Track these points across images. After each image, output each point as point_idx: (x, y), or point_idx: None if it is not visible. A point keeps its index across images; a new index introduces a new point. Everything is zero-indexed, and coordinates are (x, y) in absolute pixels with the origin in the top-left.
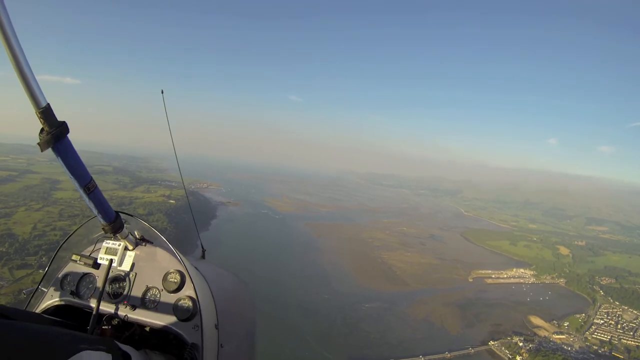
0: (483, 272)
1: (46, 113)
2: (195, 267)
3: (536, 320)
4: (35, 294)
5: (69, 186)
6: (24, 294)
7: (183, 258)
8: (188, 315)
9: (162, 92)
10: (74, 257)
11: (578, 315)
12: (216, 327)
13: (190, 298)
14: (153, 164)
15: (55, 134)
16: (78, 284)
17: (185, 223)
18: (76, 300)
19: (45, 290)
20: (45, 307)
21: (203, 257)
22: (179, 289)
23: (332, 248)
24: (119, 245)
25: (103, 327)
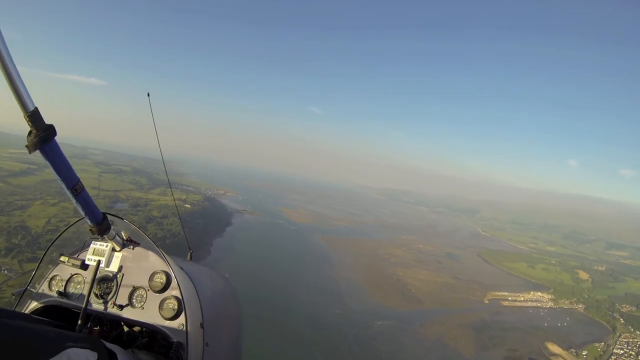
0: (499, 293)
1: (34, 116)
2: (181, 268)
3: (553, 348)
4: (24, 295)
5: (87, 183)
6: (13, 295)
7: (169, 259)
8: (173, 314)
9: (149, 95)
10: (62, 258)
11: (597, 344)
12: (201, 325)
13: (176, 298)
14: (172, 168)
15: (43, 136)
16: (66, 285)
17: (200, 228)
18: (64, 300)
19: (34, 290)
20: (34, 307)
21: (190, 257)
22: (164, 288)
23: (347, 263)
24: (106, 247)
25: (91, 327)
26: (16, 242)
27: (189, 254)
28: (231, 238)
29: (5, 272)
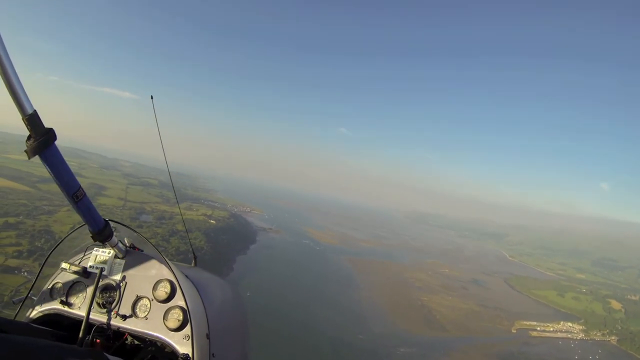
0: (527, 323)
1: (33, 120)
2: (186, 275)
3: None
4: (25, 303)
5: (114, 193)
6: (13, 302)
7: (173, 267)
8: (178, 325)
9: (152, 98)
10: (63, 265)
11: None
12: (207, 336)
13: (181, 308)
14: (200, 183)
15: (43, 141)
16: (68, 293)
17: (224, 244)
18: (66, 309)
19: (35, 299)
20: (35, 316)
21: (195, 264)
22: (169, 298)
23: (371, 285)
24: (108, 254)
25: (93, 337)
26: (39, 245)
27: (194, 260)
28: (255, 256)
29: (25, 274)
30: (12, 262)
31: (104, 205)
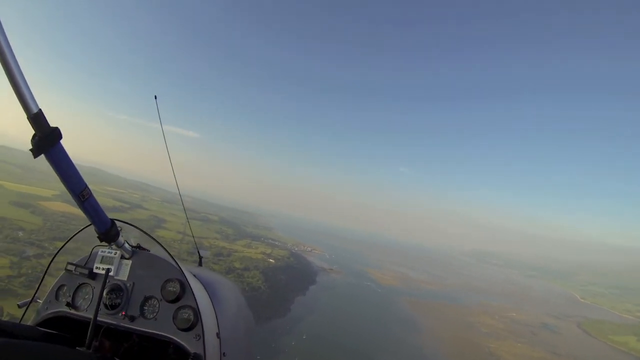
0: None
1: (38, 119)
2: (194, 275)
3: None
4: (31, 306)
5: (174, 227)
6: (19, 306)
7: (182, 266)
8: (189, 325)
9: (156, 98)
10: (68, 267)
11: None
12: (217, 335)
13: (191, 307)
14: (260, 221)
15: (48, 140)
16: (74, 295)
17: (282, 284)
18: (72, 311)
19: (40, 301)
20: (41, 319)
21: (200, 264)
22: (178, 298)
23: (433, 330)
24: (115, 254)
25: (101, 340)
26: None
27: (199, 260)
28: (314, 297)
29: None
30: None
31: (162, 237)
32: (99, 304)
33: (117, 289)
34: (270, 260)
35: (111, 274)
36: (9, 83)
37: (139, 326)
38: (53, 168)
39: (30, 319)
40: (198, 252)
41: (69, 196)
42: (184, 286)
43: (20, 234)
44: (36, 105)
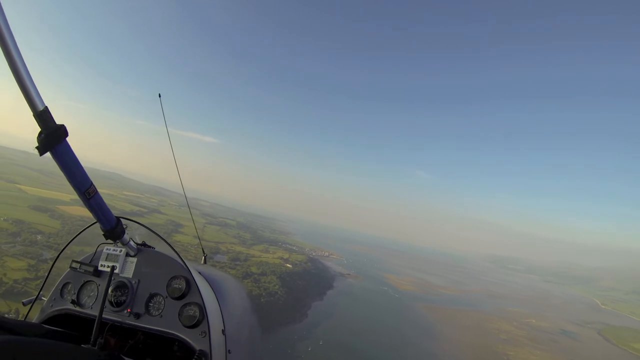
0: None
1: (44, 116)
2: (199, 272)
3: None
4: (35, 303)
5: (191, 231)
6: (23, 304)
7: (187, 263)
8: (194, 322)
9: (160, 96)
10: (73, 264)
11: None
12: (223, 332)
13: (197, 304)
14: (278, 226)
15: (54, 137)
16: (79, 293)
17: (299, 289)
18: (77, 309)
19: (45, 299)
20: (46, 316)
21: (204, 262)
22: (184, 295)
23: (451, 336)
24: (120, 252)
25: (107, 337)
26: None
27: (203, 258)
28: (331, 302)
29: None
30: None
31: (178, 242)
32: (104, 301)
33: (122, 286)
34: (288, 265)
35: (116, 271)
36: (15, 81)
37: (145, 323)
38: (59, 165)
39: (34, 317)
40: (202, 250)
41: None
42: (190, 283)
43: (39, 237)
44: (42, 102)
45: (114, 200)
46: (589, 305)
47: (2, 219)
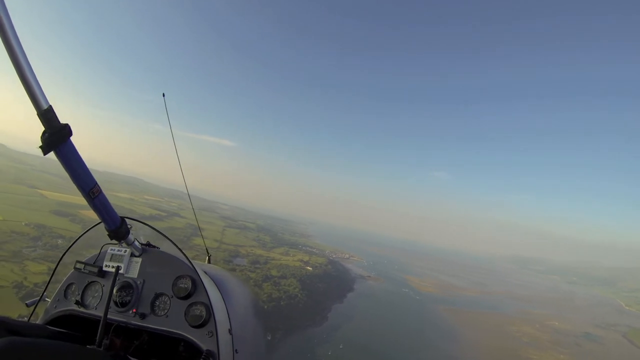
0: None
1: (48, 115)
2: (205, 271)
3: None
4: (39, 305)
5: (210, 235)
6: (27, 305)
7: (193, 262)
8: (201, 321)
9: (164, 96)
10: (77, 265)
11: None
12: (230, 332)
13: (203, 304)
14: (298, 229)
15: (58, 136)
16: (83, 293)
17: (320, 292)
18: (82, 310)
19: (49, 300)
20: (50, 317)
21: (208, 262)
22: (190, 294)
23: (472, 340)
24: (125, 252)
25: (112, 338)
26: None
27: (207, 257)
28: (352, 305)
29: None
30: None
31: (198, 245)
32: (109, 302)
33: (127, 287)
34: (308, 267)
35: (121, 271)
36: (19, 80)
37: (150, 323)
38: (63, 165)
39: (38, 318)
40: (206, 249)
41: None
42: (196, 282)
43: (60, 241)
44: (46, 101)
45: (134, 205)
46: (613, 307)
47: (23, 223)
